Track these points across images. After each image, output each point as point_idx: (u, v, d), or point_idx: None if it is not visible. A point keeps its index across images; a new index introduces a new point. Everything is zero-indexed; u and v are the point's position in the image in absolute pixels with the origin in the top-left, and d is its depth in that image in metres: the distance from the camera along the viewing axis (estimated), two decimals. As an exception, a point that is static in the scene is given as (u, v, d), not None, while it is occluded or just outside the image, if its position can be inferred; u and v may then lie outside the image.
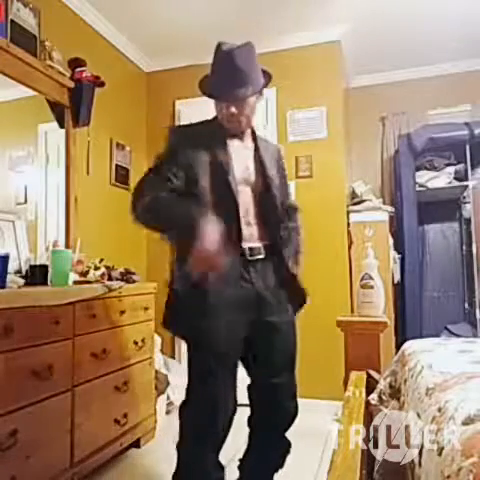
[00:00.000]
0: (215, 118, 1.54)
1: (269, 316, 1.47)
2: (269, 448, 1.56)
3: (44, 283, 1.94)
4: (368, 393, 1.53)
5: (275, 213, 1.53)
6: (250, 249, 1.46)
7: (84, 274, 2.16)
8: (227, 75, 1.41)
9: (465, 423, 0.76)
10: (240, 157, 1.50)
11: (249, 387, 1.57)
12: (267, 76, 1.52)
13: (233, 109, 1.44)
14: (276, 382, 1.51)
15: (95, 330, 1.96)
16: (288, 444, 1.57)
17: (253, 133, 1.59)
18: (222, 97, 1.45)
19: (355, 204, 3.23)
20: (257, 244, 1.48)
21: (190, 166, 1.42)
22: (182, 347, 3.25)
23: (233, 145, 1.51)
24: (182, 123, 3.36)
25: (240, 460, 1.59)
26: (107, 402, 2.04)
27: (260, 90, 1.49)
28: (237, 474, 1.59)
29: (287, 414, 1.56)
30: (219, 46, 1.42)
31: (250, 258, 1.45)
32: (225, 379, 1.41)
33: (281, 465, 1.57)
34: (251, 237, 1.47)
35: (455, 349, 1.41)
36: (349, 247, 3.06)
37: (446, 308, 3.53)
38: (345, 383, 1.68)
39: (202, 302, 1.37)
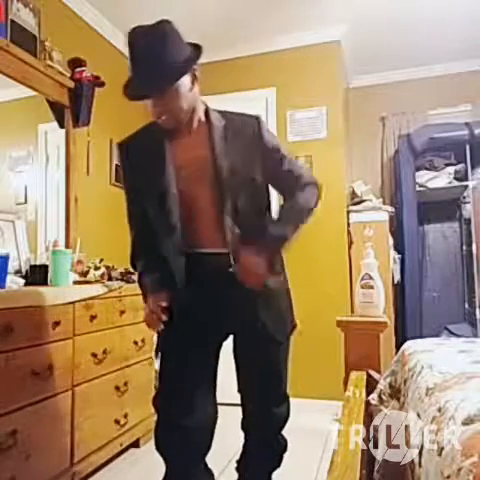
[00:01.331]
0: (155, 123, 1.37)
1: (249, 326, 1.37)
2: (264, 449, 1.53)
3: (44, 283, 1.94)
4: (368, 393, 1.53)
5: (240, 211, 1.30)
6: (218, 254, 1.31)
7: (84, 274, 2.16)
8: (139, 68, 1.21)
9: (465, 423, 0.76)
10: (189, 154, 1.32)
11: (239, 390, 1.51)
12: (196, 50, 1.27)
13: (157, 108, 1.26)
14: (262, 391, 1.46)
15: (95, 330, 1.96)
16: (284, 443, 1.55)
17: (208, 118, 1.35)
18: (137, 96, 1.27)
19: (355, 204, 3.23)
20: (220, 250, 1.31)
21: (137, 187, 1.37)
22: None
23: (179, 143, 1.32)
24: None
25: (237, 461, 1.58)
26: (107, 402, 2.04)
27: (183, 71, 1.22)
28: (235, 476, 1.58)
29: (278, 418, 1.51)
30: (128, 34, 1.21)
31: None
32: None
33: (278, 464, 1.55)
34: (214, 243, 1.32)
35: (455, 349, 1.41)
36: (349, 247, 3.06)
37: (446, 308, 3.52)
38: (345, 383, 1.68)
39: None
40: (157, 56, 1.18)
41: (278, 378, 1.48)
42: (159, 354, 1.43)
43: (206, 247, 1.33)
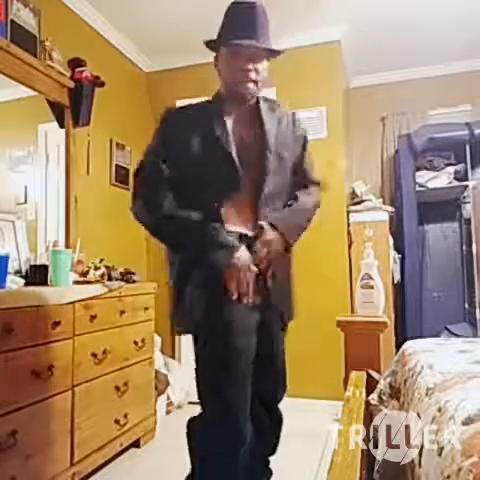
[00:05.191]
0: (215, 97, 1.43)
1: (270, 319, 1.38)
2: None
3: (44, 283, 1.94)
4: (368, 393, 1.53)
5: (277, 198, 1.38)
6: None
7: (84, 274, 2.16)
8: (248, 26, 1.31)
9: (465, 423, 0.76)
10: (238, 132, 1.36)
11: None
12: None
13: (250, 65, 1.31)
14: (271, 390, 1.45)
15: (95, 330, 1.96)
16: (270, 472, 1.52)
17: (257, 103, 1.43)
18: (241, 44, 1.29)
19: (355, 204, 3.23)
20: (246, 231, 1.35)
21: (184, 150, 1.31)
22: (182, 347, 3.25)
23: (233, 120, 1.37)
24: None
25: None
26: (107, 402, 2.04)
27: (273, 55, 1.36)
28: None
29: (279, 423, 1.51)
30: (246, 1, 1.34)
31: None
32: (245, 385, 1.26)
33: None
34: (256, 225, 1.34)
35: (455, 349, 1.41)
36: (349, 247, 3.06)
37: (446, 308, 3.52)
38: (345, 383, 1.68)
39: (215, 291, 1.24)
40: (266, 27, 1.36)
41: (284, 367, 1.49)
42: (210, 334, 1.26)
43: (235, 225, 1.32)
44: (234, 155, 1.30)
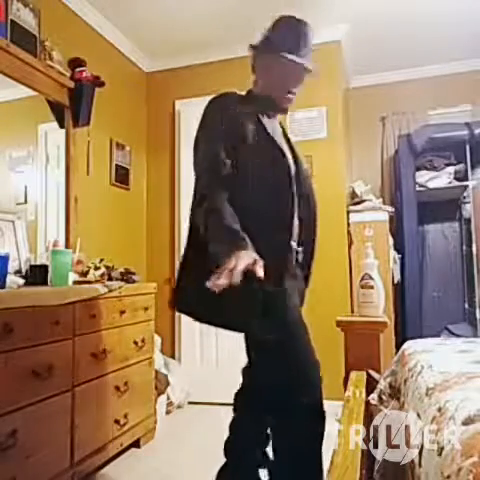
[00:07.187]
0: (249, 96, 1.44)
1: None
2: None
3: (44, 283, 1.94)
4: (368, 393, 1.53)
5: (311, 211, 1.42)
6: (296, 253, 1.37)
7: (84, 274, 2.16)
8: (303, 45, 1.43)
9: (465, 423, 0.76)
10: (278, 138, 1.38)
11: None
12: None
13: (299, 86, 1.42)
14: None
15: (95, 330, 1.96)
16: None
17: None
18: (302, 64, 1.39)
19: (355, 204, 3.23)
20: (300, 248, 1.39)
21: (242, 138, 1.26)
22: (182, 347, 3.24)
23: (271, 126, 1.39)
24: (182, 122, 3.36)
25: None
26: (107, 402, 2.04)
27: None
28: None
29: None
30: (300, 21, 1.49)
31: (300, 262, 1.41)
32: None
33: None
34: (296, 237, 1.37)
35: (455, 349, 1.41)
36: (349, 247, 3.06)
37: (446, 308, 3.52)
38: (345, 383, 1.68)
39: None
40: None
41: None
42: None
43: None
44: (290, 166, 1.34)
